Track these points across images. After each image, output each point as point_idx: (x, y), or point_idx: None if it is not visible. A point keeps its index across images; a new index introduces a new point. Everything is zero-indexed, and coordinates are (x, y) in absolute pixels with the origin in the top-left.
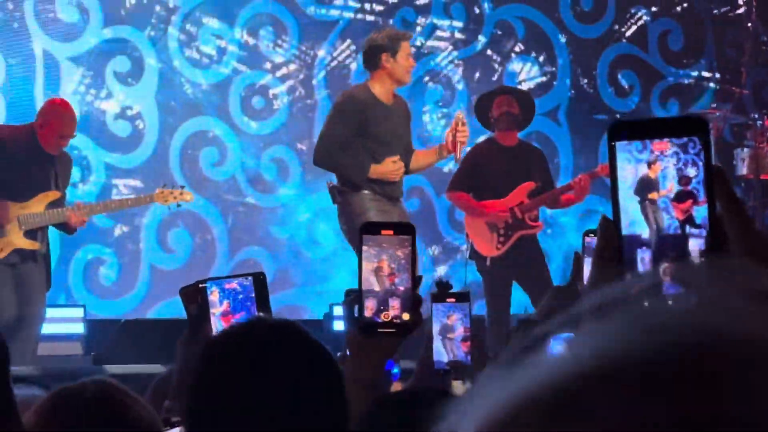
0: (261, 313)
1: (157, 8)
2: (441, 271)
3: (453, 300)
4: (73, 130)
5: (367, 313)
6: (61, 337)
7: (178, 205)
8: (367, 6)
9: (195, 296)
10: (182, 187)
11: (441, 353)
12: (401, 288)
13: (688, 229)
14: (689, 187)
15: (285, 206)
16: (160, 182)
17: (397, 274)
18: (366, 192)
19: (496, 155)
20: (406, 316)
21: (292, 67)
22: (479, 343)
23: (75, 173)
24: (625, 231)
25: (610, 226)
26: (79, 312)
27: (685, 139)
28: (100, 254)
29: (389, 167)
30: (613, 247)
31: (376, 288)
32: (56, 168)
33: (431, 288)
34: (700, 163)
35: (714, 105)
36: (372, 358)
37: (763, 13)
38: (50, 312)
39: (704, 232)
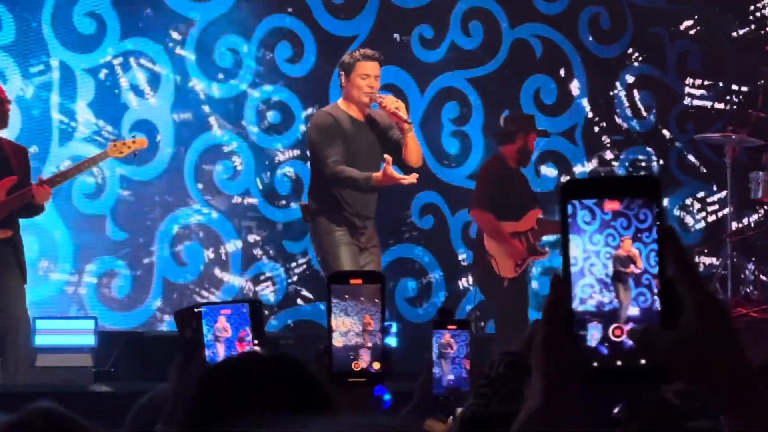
0: (257, 345)
1: (175, 21)
2: (452, 291)
3: (454, 327)
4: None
5: (339, 364)
6: (72, 348)
7: (135, 154)
8: (385, 22)
9: (190, 320)
10: (134, 136)
11: (440, 380)
12: (371, 338)
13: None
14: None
15: (299, 221)
16: (174, 194)
17: (366, 324)
18: (336, 211)
19: (512, 178)
20: (376, 366)
21: (309, 82)
22: (479, 370)
23: (89, 185)
24: (589, 299)
25: (562, 284)
26: (89, 324)
27: (640, 199)
28: (112, 266)
29: (395, 175)
30: (564, 306)
31: (346, 337)
32: (3, 154)
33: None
34: (653, 226)
35: (731, 128)
36: (343, 408)
37: None
38: (61, 323)
39: (650, 305)
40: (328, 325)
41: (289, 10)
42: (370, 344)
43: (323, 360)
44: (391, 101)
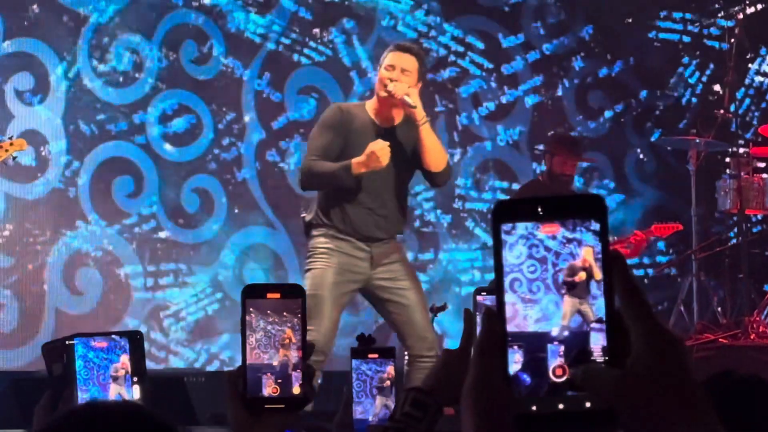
0: (137, 383)
1: (65, 19)
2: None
3: (376, 356)
4: None
5: (254, 388)
6: None
7: (14, 158)
8: (304, 16)
9: (60, 354)
10: (11, 137)
11: (361, 415)
12: (291, 359)
13: (591, 325)
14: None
15: (209, 243)
16: (67, 214)
17: (285, 344)
18: (326, 228)
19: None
20: (296, 390)
21: (218, 85)
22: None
23: None
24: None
25: (495, 319)
26: None
27: (581, 221)
28: None
29: (370, 150)
30: (498, 342)
31: (262, 359)
32: None
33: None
34: (598, 248)
35: (694, 130)
36: None
37: (750, 28)
38: None
39: (604, 327)
40: (243, 345)
41: (195, 4)
42: (289, 366)
43: (236, 385)
44: (400, 88)
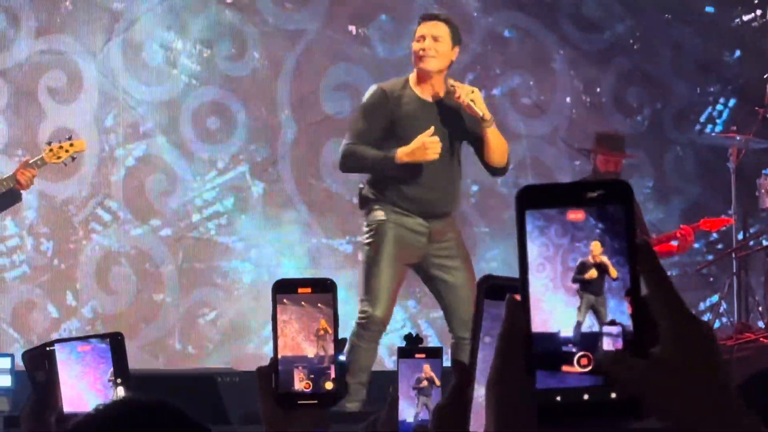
0: (120, 384)
1: (98, 15)
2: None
3: (423, 356)
4: None
5: (286, 384)
6: None
7: (73, 158)
8: (339, 13)
9: (42, 360)
10: (69, 137)
11: (407, 416)
12: (322, 354)
13: (603, 328)
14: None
15: (244, 241)
16: (101, 213)
17: (317, 338)
18: (385, 203)
19: None
20: (329, 386)
21: (252, 82)
22: None
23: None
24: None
25: (519, 309)
26: (5, 362)
27: (608, 206)
28: (30, 296)
29: (418, 142)
30: (521, 333)
31: (294, 354)
32: None
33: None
34: (624, 237)
35: (734, 127)
36: None
37: None
38: None
39: (618, 330)
40: (274, 341)
41: (229, 1)
42: (321, 361)
43: (268, 380)
44: (465, 91)
